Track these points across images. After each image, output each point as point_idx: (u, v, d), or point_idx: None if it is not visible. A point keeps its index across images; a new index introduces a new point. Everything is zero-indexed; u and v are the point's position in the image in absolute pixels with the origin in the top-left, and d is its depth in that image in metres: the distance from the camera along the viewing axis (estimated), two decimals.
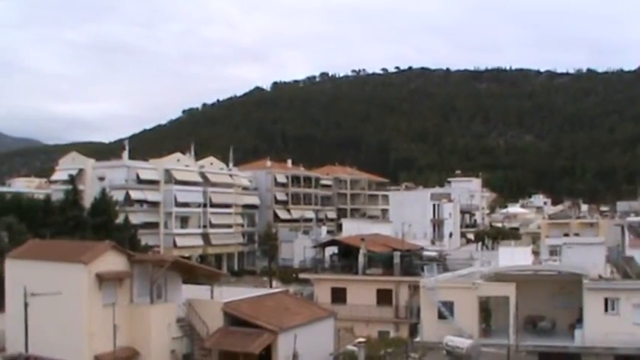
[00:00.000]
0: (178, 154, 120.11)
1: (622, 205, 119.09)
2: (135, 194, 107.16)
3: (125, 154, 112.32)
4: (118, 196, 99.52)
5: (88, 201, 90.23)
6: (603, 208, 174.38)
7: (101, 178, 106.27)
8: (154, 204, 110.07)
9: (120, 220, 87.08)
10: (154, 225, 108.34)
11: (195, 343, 41.77)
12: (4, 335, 39.48)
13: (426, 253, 70.94)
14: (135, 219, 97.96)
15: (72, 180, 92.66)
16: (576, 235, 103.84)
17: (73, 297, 37.32)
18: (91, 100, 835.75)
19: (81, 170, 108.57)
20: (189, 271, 46.81)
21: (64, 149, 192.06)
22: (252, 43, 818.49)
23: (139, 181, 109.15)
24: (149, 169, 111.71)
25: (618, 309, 46.20)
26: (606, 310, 46.36)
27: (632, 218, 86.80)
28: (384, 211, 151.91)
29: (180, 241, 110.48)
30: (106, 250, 39.69)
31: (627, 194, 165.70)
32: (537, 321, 49.86)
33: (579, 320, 47.25)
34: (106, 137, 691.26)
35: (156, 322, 40.06)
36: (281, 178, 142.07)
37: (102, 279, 38.19)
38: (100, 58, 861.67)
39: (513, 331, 46.02)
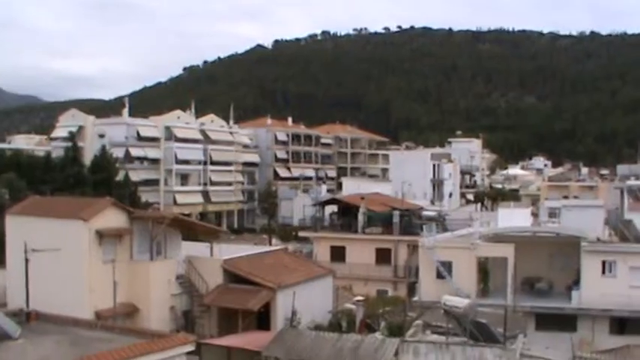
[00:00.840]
0: (179, 112, 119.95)
1: (622, 169, 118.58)
2: (135, 151, 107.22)
3: (125, 111, 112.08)
4: (118, 153, 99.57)
5: (88, 158, 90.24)
6: (603, 172, 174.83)
7: (101, 135, 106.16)
8: (154, 161, 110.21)
9: (120, 177, 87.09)
10: (154, 182, 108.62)
11: (195, 300, 42.00)
12: (5, 291, 39.70)
13: (425, 212, 70.99)
14: (135, 176, 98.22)
15: (72, 137, 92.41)
16: (576, 197, 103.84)
17: (73, 253, 37.39)
18: (90, 57, 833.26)
19: (81, 127, 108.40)
20: (189, 228, 46.88)
21: (63, 106, 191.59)
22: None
23: (140, 138, 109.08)
24: (149, 127, 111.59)
25: (615, 271, 46.24)
26: (603, 272, 46.40)
27: (632, 182, 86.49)
28: (384, 171, 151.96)
29: (180, 199, 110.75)
30: (106, 207, 39.67)
31: (627, 158, 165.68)
32: (535, 282, 49.93)
33: (576, 282, 47.39)
34: (106, 94, 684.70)
35: (155, 279, 40.22)
36: (281, 136, 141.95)
37: (102, 235, 38.24)
38: (98, 15, 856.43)
39: (511, 292, 46.14)
